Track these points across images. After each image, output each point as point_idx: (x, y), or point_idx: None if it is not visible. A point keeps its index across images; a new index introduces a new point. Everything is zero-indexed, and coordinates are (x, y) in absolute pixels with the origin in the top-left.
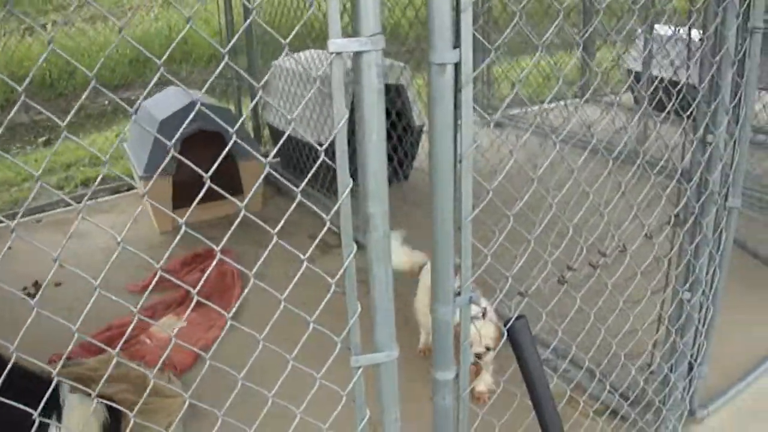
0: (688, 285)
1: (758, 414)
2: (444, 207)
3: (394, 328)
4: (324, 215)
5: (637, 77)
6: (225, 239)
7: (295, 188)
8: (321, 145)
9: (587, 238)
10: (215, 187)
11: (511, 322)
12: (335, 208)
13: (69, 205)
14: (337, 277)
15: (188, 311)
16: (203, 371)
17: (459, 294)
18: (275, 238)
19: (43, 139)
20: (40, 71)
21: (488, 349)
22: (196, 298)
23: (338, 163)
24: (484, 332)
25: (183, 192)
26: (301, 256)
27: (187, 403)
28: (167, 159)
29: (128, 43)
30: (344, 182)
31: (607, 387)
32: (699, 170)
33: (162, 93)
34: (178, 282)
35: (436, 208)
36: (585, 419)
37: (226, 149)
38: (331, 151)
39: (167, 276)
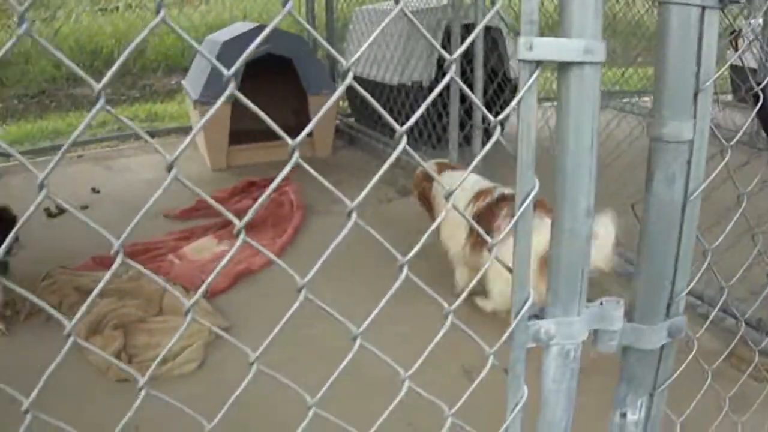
0: None
1: None
2: None
3: None
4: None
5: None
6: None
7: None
8: (403, 85)
9: None
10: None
11: None
12: None
13: (112, 141)
14: None
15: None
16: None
17: None
18: None
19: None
20: (108, 48)
21: None
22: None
23: None
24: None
25: (242, 126)
26: None
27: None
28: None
29: (202, 27)
30: None
31: None
32: None
33: (227, 27)
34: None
35: None
36: (754, 382)
37: None
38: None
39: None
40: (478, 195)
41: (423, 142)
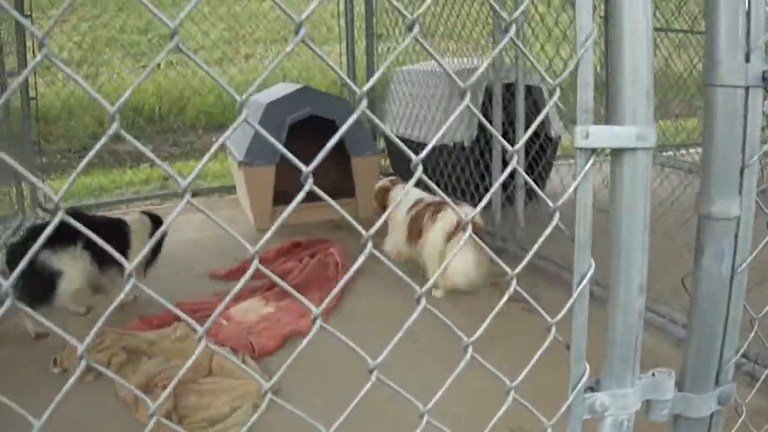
0: None
1: None
2: None
3: None
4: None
5: None
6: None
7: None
8: (444, 146)
9: None
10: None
11: None
12: None
13: (155, 199)
14: None
15: (271, 297)
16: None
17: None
18: None
19: (146, 165)
20: (149, 106)
21: None
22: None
23: None
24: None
25: (286, 186)
26: None
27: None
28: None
29: (244, 85)
30: None
31: None
32: None
33: (270, 88)
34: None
35: None
36: None
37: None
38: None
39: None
40: (415, 203)
41: (466, 202)
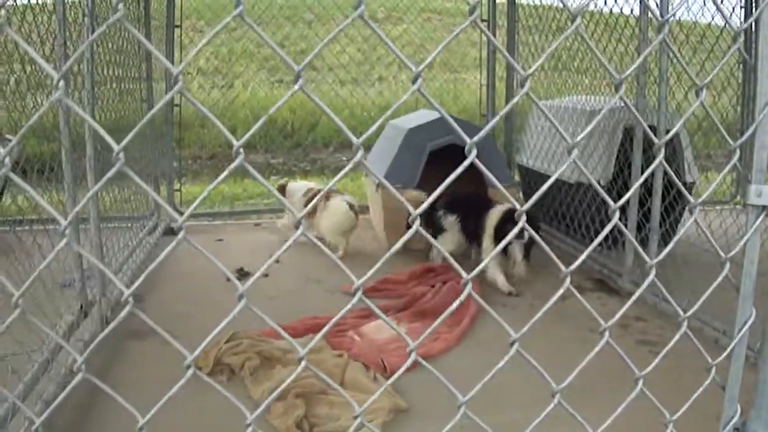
0: None
1: None
2: None
3: None
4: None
5: None
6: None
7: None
8: (581, 184)
9: None
10: None
11: None
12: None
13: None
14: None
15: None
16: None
17: None
18: None
19: (276, 177)
20: (282, 120)
21: None
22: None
23: None
24: None
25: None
26: None
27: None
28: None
29: (375, 107)
30: None
31: None
32: None
33: (410, 114)
34: None
35: None
36: None
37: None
38: (591, 191)
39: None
40: (308, 191)
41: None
